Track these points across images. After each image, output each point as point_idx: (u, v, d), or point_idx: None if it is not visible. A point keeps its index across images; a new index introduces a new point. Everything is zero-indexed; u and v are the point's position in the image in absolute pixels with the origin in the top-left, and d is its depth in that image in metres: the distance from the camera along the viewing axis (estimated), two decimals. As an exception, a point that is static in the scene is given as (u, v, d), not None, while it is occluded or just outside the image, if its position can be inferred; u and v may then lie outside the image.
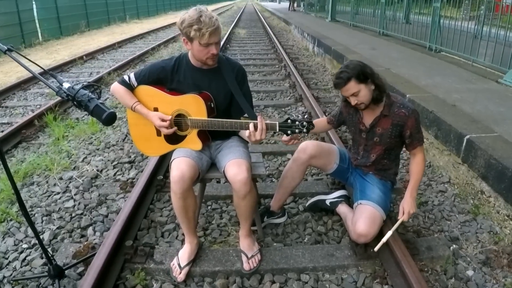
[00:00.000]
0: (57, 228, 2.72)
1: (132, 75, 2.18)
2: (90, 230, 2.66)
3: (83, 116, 5.31)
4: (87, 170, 3.59)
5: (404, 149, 2.37)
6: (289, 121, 1.89)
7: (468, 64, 5.95)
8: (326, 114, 4.55)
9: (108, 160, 3.74)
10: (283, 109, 5.20)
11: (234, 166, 1.99)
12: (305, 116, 1.92)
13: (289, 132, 1.90)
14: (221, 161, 2.14)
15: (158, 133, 2.18)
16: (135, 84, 2.17)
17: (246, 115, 2.09)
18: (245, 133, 1.98)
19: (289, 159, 3.33)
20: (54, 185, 3.38)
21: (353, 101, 2.17)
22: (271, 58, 9.29)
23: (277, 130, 1.91)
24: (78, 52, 11.34)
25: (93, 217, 2.82)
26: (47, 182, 3.45)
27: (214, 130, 2.04)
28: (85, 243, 2.52)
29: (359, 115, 2.35)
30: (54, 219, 2.84)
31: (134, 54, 10.39)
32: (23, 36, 12.85)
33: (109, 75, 7.53)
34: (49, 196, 3.20)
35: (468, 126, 3.14)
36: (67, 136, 4.54)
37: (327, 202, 2.64)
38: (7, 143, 4.27)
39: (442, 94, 4.12)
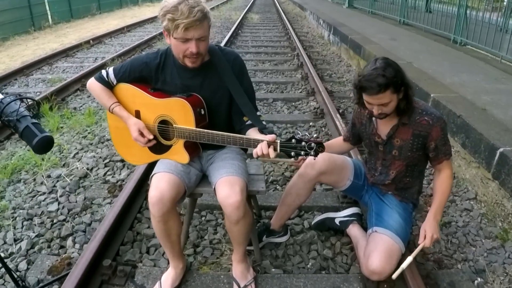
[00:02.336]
0: (36, 236, 2.49)
1: (111, 71, 1.85)
2: (69, 241, 2.40)
3: (81, 106, 5.04)
4: (77, 168, 3.32)
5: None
6: (293, 140, 1.53)
7: (496, 60, 5.44)
8: (340, 111, 4.16)
9: (100, 157, 3.46)
10: (293, 103, 4.83)
11: (225, 186, 1.66)
12: (314, 136, 1.52)
13: (292, 154, 1.54)
14: (212, 176, 1.82)
15: None
16: (114, 81, 1.85)
17: (248, 122, 1.76)
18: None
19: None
20: (41, 183, 3.15)
21: (377, 110, 1.79)
22: (283, 46, 8.86)
23: (278, 150, 1.57)
24: (86, 36, 11.07)
25: (75, 225, 2.55)
26: (34, 180, 3.22)
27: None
28: (63, 256, 2.27)
29: (373, 124, 1.98)
30: (35, 225, 2.61)
31: (142, 38, 10.06)
32: (33, 19, 12.64)
33: (113, 61, 7.23)
34: (34, 196, 2.97)
35: (501, 137, 2.73)
36: (62, 128, 4.27)
37: (337, 221, 2.30)
38: (-2, 134, 4.03)
39: (470, 95, 3.69)
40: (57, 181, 3.15)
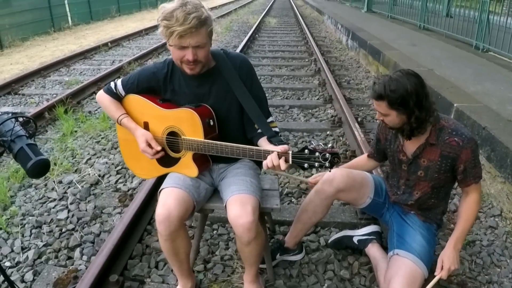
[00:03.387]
0: (44, 245, 2.44)
1: (119, 83, 1.80)
2: (77, 252, 2.34)
3: (96, 109, 5.02)
4: (89, 174, 3.28)
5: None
6: (306, 151, 1.42)
7: (522, 67, 5.21)
8: (358, 119, 4.03)
9: (113, 164, 3.41)
10: (310, 111, 4.70)
11: (236, 205, 1.56)
12: (329, 146, 1.41)
13: (305, 165, 1.44)
14: (224, 192, 1.72)
15: None
16: (123, 93, 1.79)
17: (259, 130, 1.67)
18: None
19: (314, 173, 2.85)
20: (52, 189, 3.12)
21: (378, 116, 1.76)
22: (301, 50, 8.74)
23: (290, 161, 1.46)
24: (105, 38, 11.18)
25: (84, 235, 2.49)
26: (45, 185, 3.19)
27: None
28: (70, 268, 2.21)
29: (399, 141, 1.86)
30: (43, 233, 2.57)
31: (160, 41, 10.09)
32: (53, 20, 12.86)
33: (130, 64, 7.25)
34: (44, 203, 2.94)
35: (531, 151, 2.56)
36: (75, 132, 4.26)
37: (355, 240, 2.18)
38: (13, 136, 4.02)
39: (495, 105, 3.51)
40: (68, 187, 3.11)
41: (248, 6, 24.56)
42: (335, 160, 1.40)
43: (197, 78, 1.67)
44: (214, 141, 1.59)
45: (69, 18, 14.16)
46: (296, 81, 6.14)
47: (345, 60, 7.77)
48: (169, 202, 1.57)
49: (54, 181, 3.21)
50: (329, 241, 2.29)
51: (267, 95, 5.52)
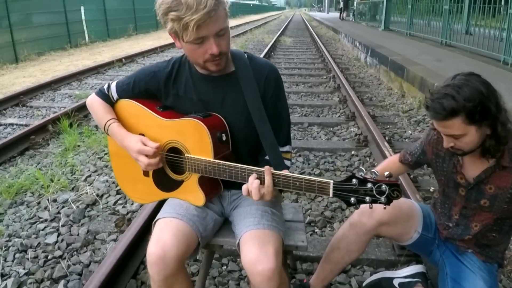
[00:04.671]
0: (26, 273, 2.11)
1: (113, 84, 1.46)
2: (61, 286, 1.98)
3: (103, 123, 4.74)
4: (86, 193, 2.95)
5: None
6: (354, 181, 1.06)
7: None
8: (386, 137, 3.63)
9: (113, 183, 3.07)
10: (331, 128, 4.32)
11: (253, 245, 1.19)
12: (386, 174, 1.03)
13: (352, 200, 1.08)
14: (237, 225, 1.35)
15: (146, 172, 1.43)
16: (115, 96, 1.44)
17: (267, 157, 1.31)
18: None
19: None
20: (45, 208, 2.81)
21: (447, 142, 1.34)
22: (318, 68, 8.44)
23: (331, 194, 1.09)
24: (120, 54, 11.10)
25: (71, 265, 2.15)
26: (38, 203, 2.90)
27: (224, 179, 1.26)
28: (51, 306, 1.83)
29: (456, 160, 1.47)
30: (27, 259, 2.25)
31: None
32: (70, 36, 12.92)
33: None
34: (33, 223, 2.63)
35: None
36: (78, 146, 3.96)
37: (396, 283, 1.77)
38: (12, 149, 3.77)
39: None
40: (63, 207, 2.80)
41: (263, 27, 24.65)
42: (394, 195, 1.03)
43: (209, 82, 1.33)
44: (227, 163, 1.22)
45: (86, 35, 14.24)
46: (314, 98, 5.80)
47: (364, 77, 7.43)
48: (165, 237, 1.21)
49: (48, 199, 2.90)
50: (363, 285, 1.87)
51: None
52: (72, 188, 3.07)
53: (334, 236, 1.66)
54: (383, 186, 1.03)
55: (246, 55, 1.38)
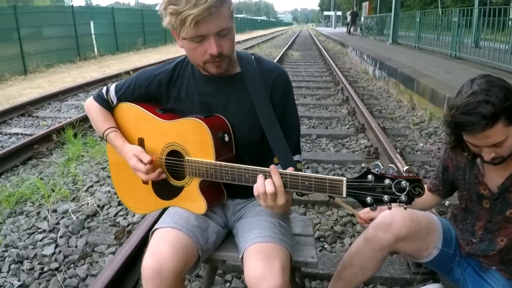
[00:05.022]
0: (20, 285, 2.03)
1: (112, 87, 1.38)
2: (55, 301, 1.86)
3: (108, 134, 4.68)
4: (87, 204, 2.86)
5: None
6: (370, 177, 0.95)
7: None
8: (397, 149, 3.50)
9: (115, 193, 2.98)
10: (340, 140, 4.21)
11: (257, 259, 1.08)
12: (405, 169, 0.92)
13: (368, 200, 0.96)
14: (240, 238, 1.24)
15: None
16: (115, 100, 1.36)
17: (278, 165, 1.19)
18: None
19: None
20: (44, 218, 2.73)
21: (489, 154, 1.20)
22: (326, 80, 8.37)
23: (344, 194, 0.98)
24: (128, 67, 11.17)
25: (67, 278, 2.05)
26: (38, 213, 2.82)
27: (227, 182, 1.15)
28: (43, 323, 1.72)
29: (477, 169, 1.36)
30: (23, 270, 2.16)
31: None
32: (79, 49, 13.07)
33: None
34: (32, 234, 2.54)
35: None
36: (82, 156, 3.89)
37: (413, 304, 1.63)
38: (14, 158, 3.71)
39: None
40: (62, 217, 2.72)
41: (271, 41, 24.81)
42: (416, 192, 0.91)
43: (212, 83, 1.24)
44: (230, 164, 1.12)
45: (95, 48, 14.41)
46: (322, 110, 5.71)
47: (373, 90, 7.33)
48: (162, 249, 1.10)
49: (48, 209, 2.82)
50: (378, 305, 1.74)
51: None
52: (73, 199, 2.99)
53: (346, 252, 1.54)
54: (403, 182, 0.91)
55: (253, 56, 1.29)
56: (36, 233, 2.53)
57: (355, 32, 23.84)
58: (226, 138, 1.17)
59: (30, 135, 4.52)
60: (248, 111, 1.22)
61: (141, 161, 1.21)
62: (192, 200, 1.22)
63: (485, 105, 1.10)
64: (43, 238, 2.46)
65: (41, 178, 3.37)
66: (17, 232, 2.56)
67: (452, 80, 5.56)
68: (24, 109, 5.67)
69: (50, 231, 2.55)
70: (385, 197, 0.94)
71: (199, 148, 1.16)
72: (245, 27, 47.93)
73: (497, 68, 6.61)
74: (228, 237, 1.37)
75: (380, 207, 1.00)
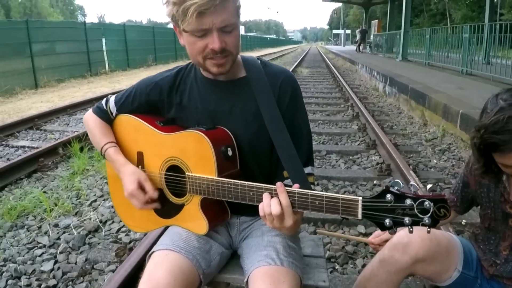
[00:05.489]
0: None
1: (112, 98, 1.29)
2: (50, 322, 1.76)
3: (114, 148, 4.64)
4: (90, 219, 2.78)
5: None
6: (389, 196, 0.84)
7: None
8: (410, 166, 3.38)
9: (118, 208, 2.89)
10: (350, 157, 4.10)
11: (264, 285, 0.98)
12: (428, 188, 0.81)
13: (387, 222, 0.86)
14: (246, 259, 1.13)
15: None
16: (114, 111, 1.27)
17: (288, 179, 1.10)
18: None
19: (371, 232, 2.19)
20: (45, 233, 2.67)
21: None
22: (335, 97, 8.30)
23: (359, 216, 0.88)
24: (138, 82, 11.25)
25: (65, 298, 1.93)
26: (39, 228, 2.75)
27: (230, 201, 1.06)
28: None
29: (502, 186, 1.25)
30: (20, 286, 2.10)
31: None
32: (90, 65, 13.24)
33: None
34: (31, 248, 2.48)
35: None
36: (87, 170, 3.83)
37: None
38: (19, 170, 3.67)
39: None
40: (63, 232, 2.65)
41: (280, 59, 24.96)
42: (441, 213, 0.81)
43: (216, 88, 1.16)
44: (232, 180, 1.02)
45: (106, 64, 14.60)
46: (332, 126, 5.61)
47: (384, 106, 7.23)
48: (158, 275, 1.01)
49: (49, 224, 2.75)
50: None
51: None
52: (76, 213, 2.92)
53: (360, 275, 1.42)
54: (427, 203, 0.81)
55: (259, 60, 1.21)
56: (36, 248, 2.47)
57: (364, 50, 23.91)
58: (230, 153, 1.08)
59: (37, 148, 4.50)
60: (254, 117, 1.13)
61: (141, 188, 1.13)
62: (192, 219, 1.13)
63: None
64: (42, 253, 2.40)
65: (44, 192, 3.32)
66: (17, 246, 2.50)
67: (465, 96, 5.45)
68: (32, 122, 5.67)
69: (50, 246, 2.48)
70: (406, 220, 0.84)
71: (200, 163, 1.07)
72: (255, 45, 48.48)
73: (510, 84, 6.49)
74: (233, 258, 1.26)
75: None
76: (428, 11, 40.31)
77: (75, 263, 2.25)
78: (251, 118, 1.13)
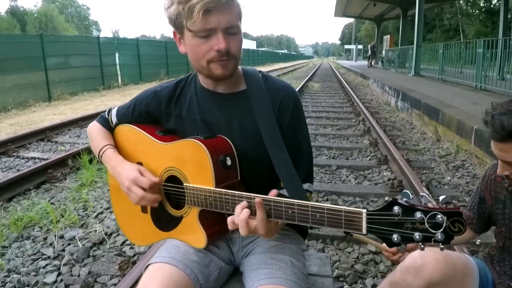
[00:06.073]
0: None
1: (115, 109, 1.28)
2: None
3: (123, 160, 4.64)
4: (95, 231, 2.75)
5: None
6: (396, 209, 0.78)
7: None
8: (423, 182, 3.28)
9: (124, 220, 2.86)
10: (361, 172, 4.01)
11: None
12: (441, 200, 0.75)
13: (395, 238, 0.79)
14: (247, 277, 1.08)
15: (144, 208, 1.21)
16: (115, 120, 1.25)
17: (283, 191, 1.04)
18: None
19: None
20: (50, 244, 2.65)
21: (501, 168, 1.15)
22: (346, 111, 8.24)
23: (364, 230, 0.82)
24: (149, 95, 11.36)
25: (65, 312, 1.89)
26: (44, 239, 2.74)
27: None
28: None
29: None
30: None
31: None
32: (103, 78, 13.44)
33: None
34: (35, 260, 2.46)
35: None
36: (95, 182, 3.82)
37: None
38: (28, 181, 3.68)
39: None
40: (68, 244, 2.63)
41: (291, 73, 25.05)
42: (455, 228, 0.75)
43: (215, 100, 1.13)
44: (230, 191, 0.97)
45: (119, 78, 14.82)
46: (343, 141, 5.54)
47: (396, 121, 7.13)
48: (152, 287, 0.96)
49: (55, 235, 2.73)
50: None
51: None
52: (82, 225, 2.89)
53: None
54: (439, 216, 0.74)
55: (261, 74, 1.17)
56: (40, 259, 2.46)
57: (376, 65, 23.86)
58: (229, 162, 1.03)
59: (47, 159, 4.52)
60: (253, 132, 1.09)
61: (141, 174, 1.08)
62: (191, 232, 1.08)
63: (509, 117, 1.04)
64: (46, 265, 2.38)
65: (52, 203, 3.31)
66: (22, 257, 2.49)
67: (479, 111, 5.33)
68: (43, 134, 5.73)
69: (54, 258, 2.47)
70: (416, 235, 0.77)
71: (198, 173, 1.03)
72: (266, 59, 48.83)
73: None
74: (235, 275, 1.20)
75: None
76: (441, 27, 40.26)
77: (78, 276, 2.22)
78: (250, 133, 1.10)
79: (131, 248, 2.48)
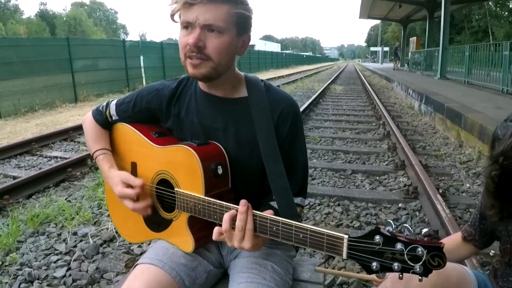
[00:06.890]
0: None
1: (113, 102, 1.27)
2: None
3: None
4: (107, 229, 2.82)
5: None
6: (377, 238, 0.78)
7: None
8: (440, 190, 3.17)
9: (135, 219, 2.91)
10: (377, 177, 3.93)
11: None
12: (424, 232, 0.75)
13: (374, 265, 0.79)
14: (230, 280, 1.08)
15: None
16: (114, 116, 1.24)
17: (273, 202, 1.04)
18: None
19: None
20: (64, 240, 2.74)
21: None
22: (367, 115, 8.11)
23: (344, 255, 0.81)
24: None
25: (71, 305, 1.94)
26: (59, 235, 2.84)
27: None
28: None
29: None
30: None
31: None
32: (128, 80, 13.76)
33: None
34: (48, 255, 2.56)
35: None
36: (112, 181, 3.91)
37: None
38: (48, 179, 3.81)
39: None
40: (80, 240, 2.71)
41: (315, 76, 24.91)
42: (435, 263, 0.74)
43: (213, 103, 1.12)
44: (218, 201, 0.97)
45: (144, 80, 15.12)
46: (361, 145, 5.45)
47: (418, 125, 6.96)
48: (134, 287, 0.97)
49: (69, 232, 2.83)
50: None
51: (327, 158, 4.83)
52: (95, 222, 2.98)
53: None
54: (420, 249, 0.73)
55: (263, 83, 1.16)
56: (53, 254, 2.55)
57: (401, 67, 23.38)
58: (220, 171, 1.03)
59: (67, 158, 4.67)
60: (248, 141, 1.08)
61: (129, 186, 1.09)
62: (180, 235, 1.08)
63: None
64: (57, 260, 2.47)
65: (68, 200, 3.42)
66: (35, 251, 2.59)
67: (503, 116, 5.11)
68: (67, 134, 5.91)
69: (65, 253, 2.56)
70: (395, 265, 0.76)
71: (188, 180, 1.03)
72: (290, 62, 48.70)
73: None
74: (224, 278, 1.20)
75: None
76: (469, 28, 38.99)
77: (86, 271, 2.30)
78: (245, 141, 1.09)
79: (139, 246, 2.53)
